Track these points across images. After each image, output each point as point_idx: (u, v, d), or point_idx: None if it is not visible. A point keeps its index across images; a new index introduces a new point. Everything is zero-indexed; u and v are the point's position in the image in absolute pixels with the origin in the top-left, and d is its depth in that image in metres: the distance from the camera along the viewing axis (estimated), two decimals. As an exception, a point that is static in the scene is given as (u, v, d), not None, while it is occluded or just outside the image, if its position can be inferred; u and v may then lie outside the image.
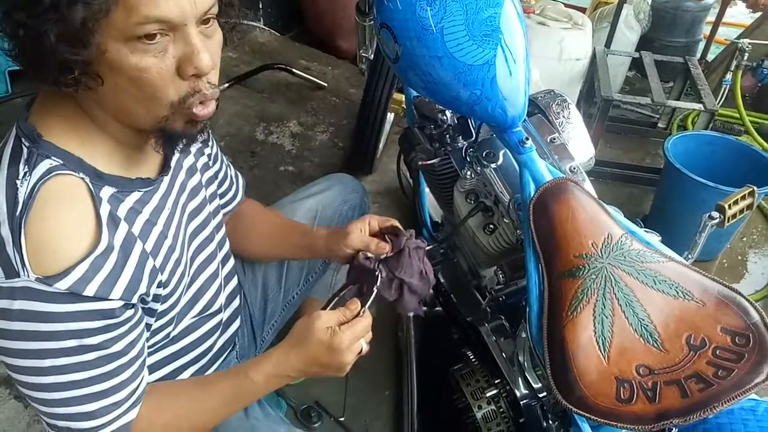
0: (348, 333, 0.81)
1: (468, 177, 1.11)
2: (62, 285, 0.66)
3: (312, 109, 2.65)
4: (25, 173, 0.66)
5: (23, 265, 0.64)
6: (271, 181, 2.23)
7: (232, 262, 1.05)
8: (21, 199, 0.65)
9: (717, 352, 0.79)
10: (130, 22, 0.62)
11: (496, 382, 1.11)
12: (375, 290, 0.89)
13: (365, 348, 0.85)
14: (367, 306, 0.86)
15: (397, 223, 0.97)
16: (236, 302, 1.07)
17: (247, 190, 1.17)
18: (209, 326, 0.98)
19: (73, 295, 0.67)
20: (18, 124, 0.71)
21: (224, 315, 1.02)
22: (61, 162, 0.69)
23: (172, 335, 0.90)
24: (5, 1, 0.61)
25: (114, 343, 0.73)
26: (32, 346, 0.68)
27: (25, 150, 0.68)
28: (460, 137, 1.19)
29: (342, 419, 1.45)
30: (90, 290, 0.68)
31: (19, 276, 0.64)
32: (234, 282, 1.06)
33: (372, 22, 1.88)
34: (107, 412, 0.74)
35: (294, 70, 2.79)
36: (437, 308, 1.42)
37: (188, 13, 0.64)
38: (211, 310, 0.97)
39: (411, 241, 0.94)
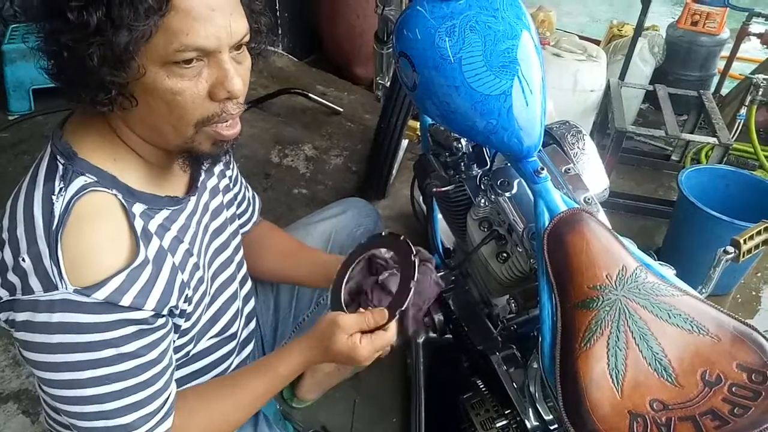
0: (368, 347, 0.85)
1: (482, 205, 1.11)
2: (100, 295, 0.67)
3: (327, 134, 2.68)
4: (61, 189, 0.68)
5: (61, 277, 0.66)
6: (285, 204, 2.25)
7: (250, 284, 1.06)
8: (57, 214, 0.67)
9: (733, 389, 0.77)
10: (171, 48, 0.64)
11: (506, 412, 1.10)
12: (408, 298, 0.88)
13: (384, 353, 0.89)
14: (395, 318, 0.87)
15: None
16: (252, 324, 1.08)
17: (261, 212, 1.18)
18: (227, 349, 0.98)
19: (110, 305, 0.68)
20: (53, 142, 0.73)
21: (240, 337, 1.03)
22: (95, 179, 0.71)
23: (191, 354, 0.91)
24: (51, 23, 0.64)
25: (149, 350, 0.74)
26: (71, 358, 0.69)
27: (60, 167, 0.70)
28: (475, 165, 1.20)
29: (348, 445, 1.44)
30: (126, 300, 0.69)
31: (57, 288, 0.66)
32: (251, 304, 1.07)
33: (390, 50, 1.92)
34: (144, 423, 0.75)
35: (310, 95, 2.83)
36: (447, 336, 1.41)
37: (224, 41, 0.68)
38: (229, 332, 0.97)
39: (421, 254, 0.94)
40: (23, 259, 0.67)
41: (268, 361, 0.89)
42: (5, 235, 0.69)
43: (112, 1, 0.61)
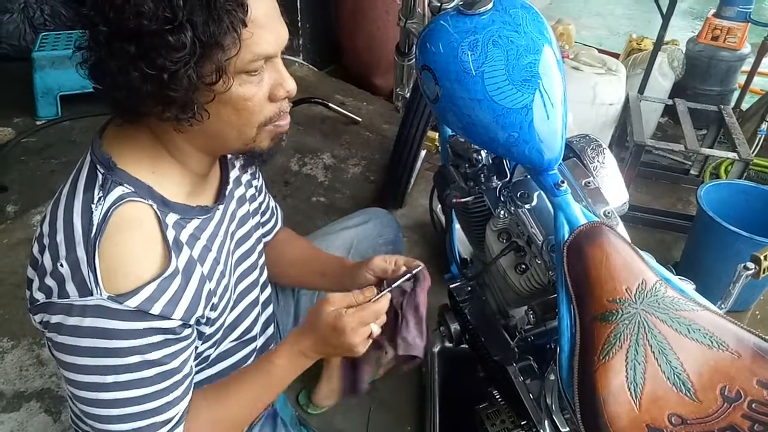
0: (354, 316, 0.82)
1: (501, 216, 1.12)
2: (132, 303, 0.69)
3: (346, 143, 2.71)
4: (100, 198, 0.71)
5: (97, 284, 0.68)
6: (303, 211, 2.27)
7: (269, 289, 1.08)
8: (95, 223, 0.69)
9: (753, 406, 0.77)
10: (246, 59, 0.69)
11: (522, 423, 1.10)
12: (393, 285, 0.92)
13: (375, 331, 0.85)
14: (382, 295, 0.88)
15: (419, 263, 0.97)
16: (270, 329, 1.09)
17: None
18: (245, 352, 1.00)
19: (141, 312, 0.70)
20: (93, 152, 0.75)
21: (259, 342, 1.04)
22: (133, 189, 0.73)
23: (211, 358, 0.92)
24: (140, 45, 0.64)
25: (173, 359, 0.76)
26: (97, 362, 0.71)
27: (100, 176, 0.73)
28: (495, 177, 1.21)
29: (363, 453, 1.45)
30: (156, 309, 0.71)
31: (92, 294, 0.68)
32: (270, 309, 1.09)
33: (410, 62, 1.94)
34: (157, 429, 0.76)
35: (330, 104, 2.86)
36: (463, 346, 1.42)
37: (280, 46, 0.73)
38: (248, 336, 0.99)
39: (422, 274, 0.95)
40: (61, 265, 0.69)
41: (265, 355, 0.89)
42: (45, 241, 0.72)
43: (195, 21, 0.63)
